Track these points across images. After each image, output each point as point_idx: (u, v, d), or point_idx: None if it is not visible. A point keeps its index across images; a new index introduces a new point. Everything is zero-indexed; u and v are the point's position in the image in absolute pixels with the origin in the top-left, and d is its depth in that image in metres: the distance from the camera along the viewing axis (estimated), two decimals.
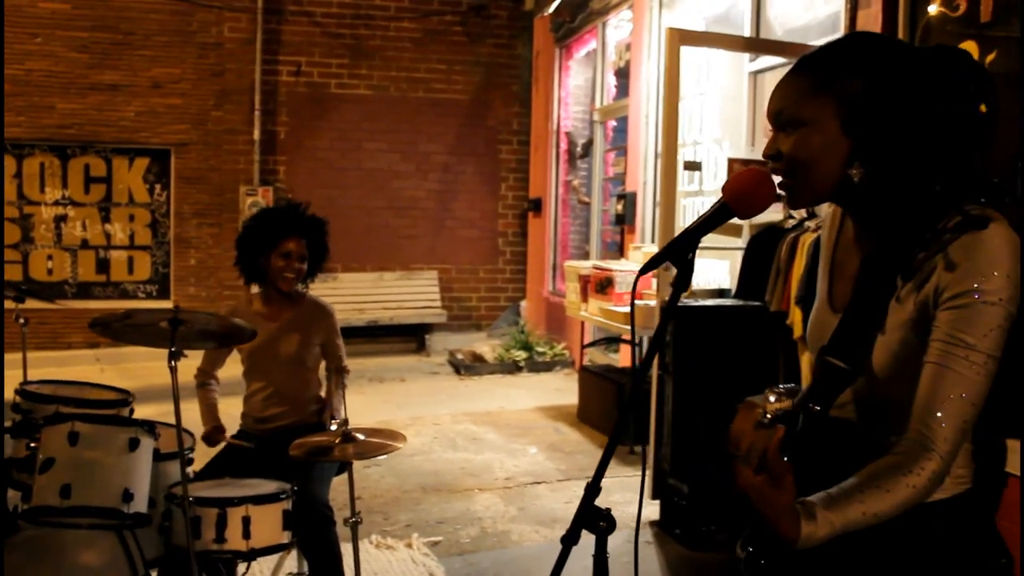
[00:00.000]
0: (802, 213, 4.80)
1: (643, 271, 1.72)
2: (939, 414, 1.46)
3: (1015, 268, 1.46)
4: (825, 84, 1.56)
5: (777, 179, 1.63)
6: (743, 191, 1.61)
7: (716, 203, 1.64)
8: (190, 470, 3.33)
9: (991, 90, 1.56)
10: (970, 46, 4.38)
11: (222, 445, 3.75)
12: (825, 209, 4.73)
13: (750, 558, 1.77)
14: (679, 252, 1.64)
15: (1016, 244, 1.48)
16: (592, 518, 1.75)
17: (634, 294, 1.74)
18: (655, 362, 5.04)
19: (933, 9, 4.62)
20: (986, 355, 1.46)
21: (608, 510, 1.77)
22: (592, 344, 8.42)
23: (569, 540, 1.73)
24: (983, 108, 1.54)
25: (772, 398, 1.47)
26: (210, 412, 3.80)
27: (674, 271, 1.65)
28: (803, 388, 1.58)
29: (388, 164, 10.83)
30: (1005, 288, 1.45)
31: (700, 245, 1.64)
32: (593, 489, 1.74)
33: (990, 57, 4.25)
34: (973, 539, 1.63)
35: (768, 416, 1.45)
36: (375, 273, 10.76)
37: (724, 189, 1.63)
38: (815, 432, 1.49)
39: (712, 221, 1.64)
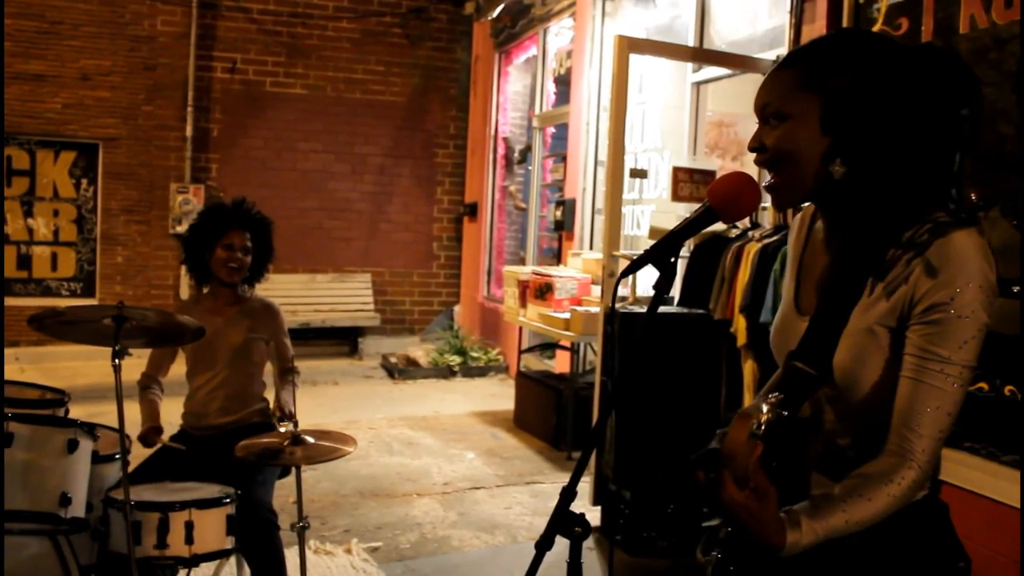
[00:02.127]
0: (746, 223, 4.86)
1: (624, 274, 1.71)
2: (917, 426, 1.48)
3: (987, 277, 1.47)
4: (812, 80, 1.56)
5: (764, 179, 1.63)
6: (729, 194, 1.60)
7: (701, 206, 1.63)
8: None
9: (976, 92, 1.57)
10: None
11: (157, 447, 3.64)
12: (770, 218, 4.77)
13: (719, 565, 1.76)
14: (662, 255, 1.62)
15: (987, 252, 1.49)
16: (567, 523, 1.72)
17: (614, 296, 1.72)
18: (598, 368, 5.05)
19: (876, 27, 4.72)
20: (961, 366, 1.48)
21: (583, 515, 1.74)
22: (531, 349, 8.41)
23: (543, 545, 1.70)
24: (965, 112, 1.55)
25: (764, 408, 1.45)
26: (151, 411, 3.69)
27: (621, 279, 1.63)
28: (772, 395, 1.56)
29: (323, 165, 10.71)
30: (977, 299, 1.46)
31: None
32: (569, 493, 1.71)
33: None
34: (935, 542, 1.64)
35: (762, 427, 1.43)
36: (307, 275, 10.61)
37: (709, 192, 1.63)
38: (782, 436, 1.48)
39: (697, 224, 1.64)
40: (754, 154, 1.65)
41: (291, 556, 3.34)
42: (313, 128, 10.61)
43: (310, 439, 3.07)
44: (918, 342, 1.49)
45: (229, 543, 3.10)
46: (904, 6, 4.55)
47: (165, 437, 3.64)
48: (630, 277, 5.39)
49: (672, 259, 1.62)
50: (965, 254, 1.46)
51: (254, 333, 3.81)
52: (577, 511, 1.68)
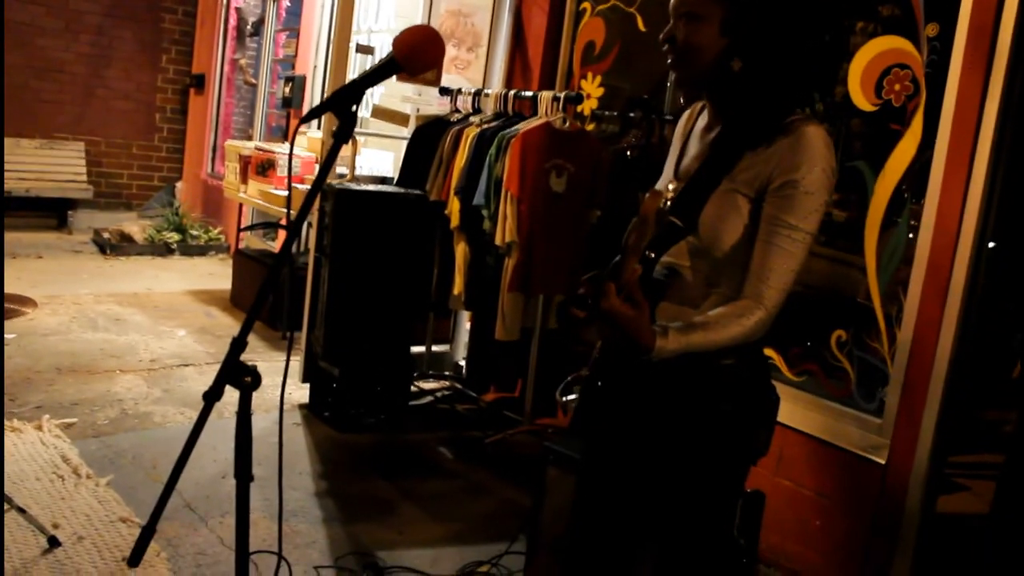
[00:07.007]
0: (468, 108, 4.91)
1: (304, 120, 1.68)
2: (767, 279, 1.79)
3: (830, 163, 1.79)
4: None
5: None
6: (413, 46, 1.60)
7: (385, 56, 1.62)
8: None
9: (837, 21, 2.14)
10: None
11: None
12: (491, 105, 4.83)
13: (588, 380, 2.11)
14: (343, 103, 1.61)
15: (830, 144, 1.80)
16: (237, 373, 1.70)
17: (289, 169, 1.68)
18: (312, 245, 4.99)
19: None
20: (805, 232, 1.78)
21: (254, 366, 1.74)
22: (250, 227, 8.17)
23: (212, 396, 1.69)
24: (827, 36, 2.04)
25: (671, 186, 1.94)
26: None
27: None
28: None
29: (31, 18, 9.70)
30: (820, 180, 1.77)
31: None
32: (239, 344, 1.70)
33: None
34: (752, 384, 1.95)
35: (668, 202, 1.86)
36: (11, 139, 9.68)
37: (394, 43, 1.62)
38: (647, 272, 1.75)
39: (379, 74, 1.64)
40: (665, 45, 1.91)
41: None
42: None
43: None
44: (772, 212, 1.79)
45: None
46: None
47: None
48: (356, 157, 5.33)
49: (353, 108, 1.61)
50: (815, 143, 1.76)
51: None
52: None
